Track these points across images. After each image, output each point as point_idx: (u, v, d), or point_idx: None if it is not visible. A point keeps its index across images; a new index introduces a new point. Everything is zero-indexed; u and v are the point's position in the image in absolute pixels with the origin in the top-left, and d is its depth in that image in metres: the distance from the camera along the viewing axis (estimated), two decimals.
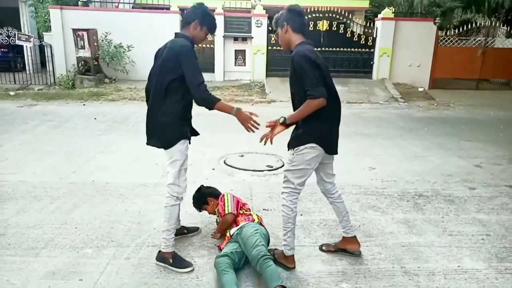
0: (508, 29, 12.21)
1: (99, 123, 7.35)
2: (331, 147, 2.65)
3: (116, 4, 12.89)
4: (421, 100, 10.94)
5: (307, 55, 2.43)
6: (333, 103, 2.58)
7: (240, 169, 4.83)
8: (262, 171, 4.79)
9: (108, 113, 8.25)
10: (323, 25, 11.75)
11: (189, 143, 2.77)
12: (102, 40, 11.06)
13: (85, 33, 10.44)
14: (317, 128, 2.56)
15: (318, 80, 2.41)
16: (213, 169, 4.85)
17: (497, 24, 12.44)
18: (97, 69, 11.15)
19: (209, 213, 3.28)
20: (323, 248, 2.99)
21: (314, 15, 11.63)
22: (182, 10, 11.92)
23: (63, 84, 10.76)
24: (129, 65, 11.30)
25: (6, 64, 12.88)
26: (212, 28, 2.67)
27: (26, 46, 11.91)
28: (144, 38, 11.38)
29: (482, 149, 6.11)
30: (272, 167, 4.94)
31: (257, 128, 2.62)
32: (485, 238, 3.23)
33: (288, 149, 2.67)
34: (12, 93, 10.03)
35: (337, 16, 11.80)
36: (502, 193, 4.29)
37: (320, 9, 11.65)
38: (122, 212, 3.57)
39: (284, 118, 2.54)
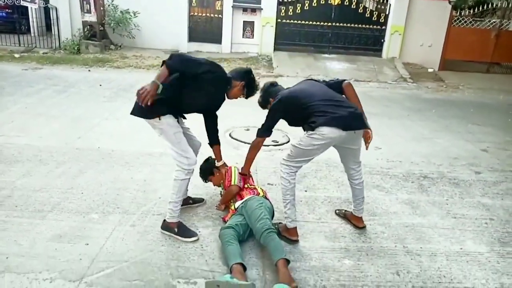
0: None
1: (104, 89, 7.29)
2: (347, 123, 2.58)
3: None
4: (430, 81, 10.77)
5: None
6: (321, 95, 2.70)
7: (245, 143, 4.80)
8: (268, 145, 4.77)
9: (113, 80, 8.17)
10: None
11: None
12: (109, 5, 10.81)
13: None
14: (321, 118, 2.58)
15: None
16: None
17: None
18: (103, 34, 10.96)
19: (214, 185, 3.29)
20: (336, 211, 3.23)
21: None
22: None
23: (68, 49, 10.61)
24: (136, 31, 11.10)
25: (11, 26, 12.65)
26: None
27: (31, 8, 11.67)
28: (151, 4, 11.13)
29: (490, 133, 6.05)
30: (277, 142, 4.92)
31: None
32: (489, 222, 3.24)
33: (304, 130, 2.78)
34: (17, 55, 9.92)
35: None
36: (508, 178, 4.27)
37: None
38: (127, 179, 3.59)
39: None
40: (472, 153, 5.07)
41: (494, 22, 11.91)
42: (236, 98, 2.87)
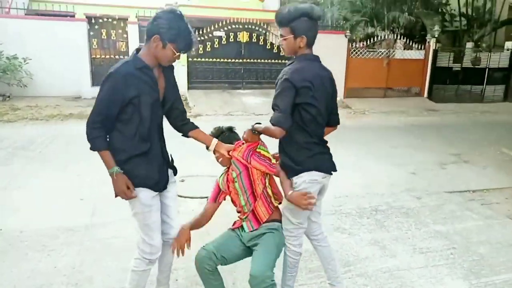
0: (406, 41, 13.49)
1: None
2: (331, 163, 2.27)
3: (7, 9, 11.15)
4: (339, 109, 11.38)
5: (290, 78, 2.09)
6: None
7: (185, 197, 4.29)
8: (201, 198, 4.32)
9: (5, 137, 6.93)
10: (243, 37, 11.63)
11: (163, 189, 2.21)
12: None
13: None
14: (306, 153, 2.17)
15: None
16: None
17: (396, 38, 13.65)
18: None
19: (223, 164, 2.40)
20: None
21: (234, 26, 11.46)
22: (89, 18, 10.80)
23: None
24: (27, 79, 9.81)
25: None
26: (183, 45, 2.01)
27: None
28: (45, 49, 10.02)
29: (409, 155, 6.44)
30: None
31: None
32: (454, 252, 3.23)
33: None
34: None
35: (256, 28, 11.79)
36: (446, 200, 4.46)
37: (239, 21, 11.51)
38: (50, 270, 2.82)
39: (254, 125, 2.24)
40: (403, 177, 5.27)
41: (383, 51, 13.30)
42: (172, 60, 2.09)
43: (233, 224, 2.42)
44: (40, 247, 3.15)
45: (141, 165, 2.06)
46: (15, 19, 10.43)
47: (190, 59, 11.30)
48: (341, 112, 9.91)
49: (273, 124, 2.07)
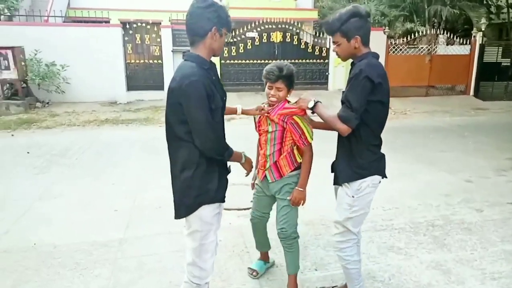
0: (449, 35, 12.70)
1: (33, 158, 6.12)
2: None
3: (46, 18, 11.45)
4: None
5: (370, 75, 1.98)
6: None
7: (231, 209, 4.05)
8: (248, 208, 4.04)
9: (43, 144, 7.00)
10: (276, 37, 11.35)
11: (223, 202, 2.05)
12: (31, 59, 9.65)
13: (9, 51, 9.01)
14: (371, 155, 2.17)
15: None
16: None
17: (438, 32, 12.90)
18: (26, 92, 9.70)
19: (277, 103, 2.40)
20: None
21: (267, 26, 11.20)
22: (123, 23, 10.88)
23: None
24: (65, 85, 9.98)
25: None
26: (229, 23, 1.92)
27: None
28: (81, 55, 10.15)
29: (461, 160, 5.90)
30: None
31: None
32: None
33: (340, 184, 2.22)
34: None
35: (290, 27, 11.48)
36: (511, 213, 3.96)
37: (272, 21, 11.23)
38: None
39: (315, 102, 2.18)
40: (459, 186, 4.78)
41: (424, 48, 12.59)
42: (221, 51, 2.01)
43: (258, 175, 2.60)
44: (73, 265, 2.99)
45: (213, 175, 1.90)
46: (53, 26, 10.67)
47: (222, 61, 11.15)
48: None
49: (341, 121, 2.01)
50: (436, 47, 12.73)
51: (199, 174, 1.85)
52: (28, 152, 6.41)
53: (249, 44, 11.20)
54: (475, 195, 4.46)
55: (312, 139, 2.39)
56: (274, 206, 2.61)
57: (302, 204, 2.44)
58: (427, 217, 3.87)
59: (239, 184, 4.61)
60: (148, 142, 7.02)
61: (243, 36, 11.24)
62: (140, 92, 10.83)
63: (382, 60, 11.80)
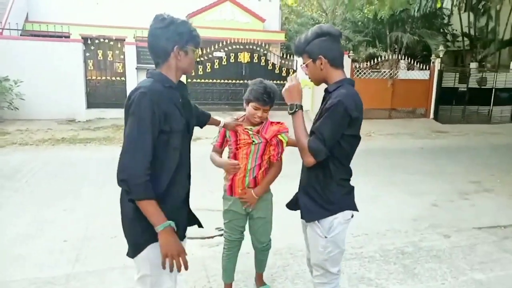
0: (409, 61, 13.20)
1: None
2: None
3: (0, 30, 10.83)
4: None
5: (349, 108, 1.81)
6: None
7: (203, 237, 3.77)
8: (213, 237, 3.81)
9: None
10: (244, 57, 11.33)
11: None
12: None
13: None
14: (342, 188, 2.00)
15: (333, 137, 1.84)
16: None
17: (399, 58, 13.39)
18: None
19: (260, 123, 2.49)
20: None
21: (234, 46, 11.17)
22: (85, 38, 10.48)
23: None
24: (19, 101, 9.38)
25: None
26: (196, 38, 1.74)
27: None
28: (38, 70, 9.64)
29: (425, 183, 5.96)
30: (223, 229, 3.97)
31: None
32: None
33: (306, 221, 2.04)
34: None
35: (257, 48, 11.52)
36: (477, 238, 3.95)
37: (240, 41, 11.23)
38: None
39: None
40: (425, 210, 4.77)
41: (386, 72, 13.00)
42: (192, 68, 1.83)
43: (229, 190, 2.54)
44: None
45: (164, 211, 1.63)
46: (7, 40, 10.09)
47: (189, 80, 10.95)
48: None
49: (310, 151, 1.84)
50: (398, 71, 13.18)
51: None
52: None
53: (216, 63, 11.11)
54: (442, 220, 4.44)
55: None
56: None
57: (247, 207, 2.51)
58: (396, 243, 3.78)
59: (203, 209, 4.40)
60: (107, 163, 6.60)
61: (210, 56, 11.14)
62: (101, 110, 10.36)
63: None
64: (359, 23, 15.18)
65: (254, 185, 2.49)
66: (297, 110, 1.90)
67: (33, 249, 3.44)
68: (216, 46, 11.07)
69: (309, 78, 1.99)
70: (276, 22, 15.84)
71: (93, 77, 10.50)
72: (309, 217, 1.99)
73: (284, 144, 2.49)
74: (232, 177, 2.49)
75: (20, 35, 11.73)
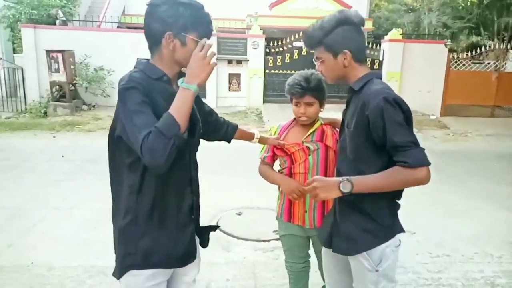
0: None
1: (64, 162, 6.09)
2: None
3: (98, 23, 11.80)
4: (435, 130, 9.90)
5: (399, 100, 1.44)
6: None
7: (238, 238, 3.60)
8: (268, 241, 3.57)
9: (79, 147, 7.02)
10: None
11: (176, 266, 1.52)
12: (81, 63, 9.90)
13: (59, 55, 9.29)
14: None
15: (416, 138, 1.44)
16: None
17: (508, 47, 11.58)
18: (73, 94, 9.96)
19: (309, 122, 2.03)
20: None
21: None
22: None
23: (34, 112, 9.51)
24: (111, 89, 10.12)
25: None
26: (205, 27, 1.40)
27: (3, 68, 10.70)
28: (129, 61, 10.21)
29: None
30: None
31: None
32: None
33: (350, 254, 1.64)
34: None
35: None
36: None
37: None
38: None
39: (350, 182, 1.43)
40: None
41: (490, 63, 11.36)
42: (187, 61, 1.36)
43: (286, 214, 2.10)
44: None
45: (149, 227, 1.41)
46: (104, 32, 10.94)
47: (267, 71, 10.79)
48: (437, 133, 8.49)
49: (417, 166, 1.38)
50: (505, 63, 11.43)
51: (133, 223, 1.39)
52: (62, 156, 6.41)
53: (295, 54, 10.75)
54: None
55: None
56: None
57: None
58: (486, 271, 3.15)
59: (264, 208, 4.18)
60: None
61: (290, 46, 10.81)
62: None
63: (441, 75, 10.87)
64: (461, 7, 13.46)
65: (321, 211, 2.01)
66: (349, 191, 1.43)
67: (97, 236, 3.55)
68: (296, 36, 10.70)
69: (323, 74, 1.61)
70: (363, 9, 14.83)
71: None
72: (355, 248, 1.59)
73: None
74: (286, 201, 2.08)
75: (117, 27, 12.68)
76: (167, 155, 1.21)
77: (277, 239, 3.60)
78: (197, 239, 1.59)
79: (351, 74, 1.54)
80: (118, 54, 10.19)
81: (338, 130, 1.98)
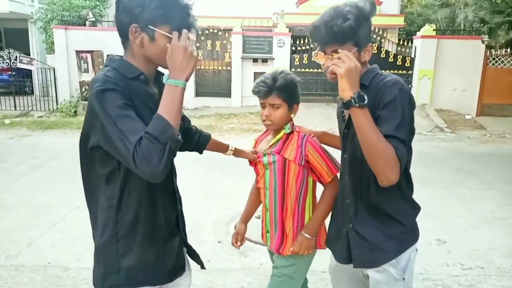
0: None
1: None
2: None
3: None
4: (470, 130, 9.41)
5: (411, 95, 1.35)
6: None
7: (256, 243, 3.47)
8: None
9: None
10: None
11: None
12: None
13: (88, 55, 9.52)
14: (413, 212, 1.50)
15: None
16: (219, 241, 3.52)
17: None
18: None
19: (274, 127, 1.73)
20: None
21: None
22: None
23: (65, 111, 9.80)
24: None
25: (14, 88, 12.08)
26: (180, 19, 1.18)
27: (36, 69, 11.10)
28: None
29: None
30: None
31: None
32: None
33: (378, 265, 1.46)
34: (7, 121, 9.11)
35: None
36: None
37: None
38: None
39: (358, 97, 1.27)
40: None
41: None
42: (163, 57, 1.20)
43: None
44: None
45: (133, 243, 1.28)
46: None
47: (292, 69, 10.59)
48: (472, 133, 8.00)
49: (399, 161, 1.26)
50: None
51: (113, 240, 1.25)
52: None
53: None
54: None
55: (338, 169, 1.65)
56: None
57: (305, 252, 1.69)
58: None
59: None
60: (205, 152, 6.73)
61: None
62: (207, 99, 10.76)
63: (477, 73, 10.34)
64: (499, 1, 12.74)
65: (280, 241, 1.74)
66: (364, 103, 1.26)
67: None
68: None
69: (333, 73, 1.34)
70: (395, 5, 14.32)
71: (202, 67, 10.91)
72: (384, 257, 1.43)
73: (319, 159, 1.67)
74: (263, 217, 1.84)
75: None
76: (165, 162, 1.08)
77: None
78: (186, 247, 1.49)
79: (362, 69, 1.37)
80: None
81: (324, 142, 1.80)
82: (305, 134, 1.70)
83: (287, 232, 1.72)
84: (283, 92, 1.66)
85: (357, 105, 1.25)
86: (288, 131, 1.71)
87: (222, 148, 1.84)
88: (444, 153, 7.26)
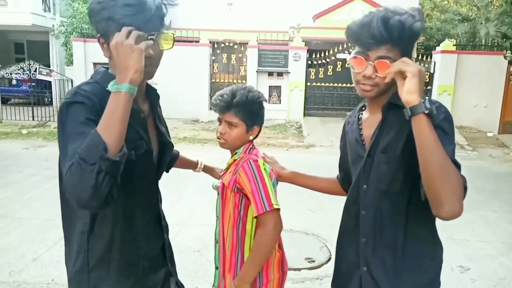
0: None
1: None
2: None
3: None
4: (492, 148, 9.08)
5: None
6: None
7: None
8: (300, 269, 3.26)
9: None
10: None
11: None
12: None
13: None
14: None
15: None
16: None
17: None
18: None
19: (228, 147, 1.54)
20: None
21: None
22: (212, 43, 10.98)
23: None
24: None
25: (33, 99, 12.29)
26: (131, 16, 1.03)
27: (54, 80, 11.31)
28: (169, 73, 10.40)
29: None
30: (313, 261, 3.40)
31: None
32: None
33: None
34: (24, 131, 9.23)
35: None
36: None
37: None
38: None
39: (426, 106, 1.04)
40: None
41: None
42: (152, 63, 1.15)
43: None
44: None
45: (106, 284, 1.16)
46: None
47: (308, 84, 10.51)
48: (494, 152, 7.67)
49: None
50: None
51: (84, 269, 1.14)
52: None
53: (338, 66, 10.38)
54: None
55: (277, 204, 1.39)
56: None
57: None
58: None
59: (297, 231, 3.87)
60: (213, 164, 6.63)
61: (332, 58, 10.48)
62: None
63: (500, 89, 10.05)
64: None
65: (223, 267, 1.53)
66: (434, 112, 1.04)
67: None
68: (340, 48, 10.35)
69: (376, 83, 1.19)
70: None
71: (217, 80, 10.91)
72: None
73: (263, 183, 1.39)
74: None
75: None
76: (94, 188, 0.89)
77: (309, 268, 3.29)
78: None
79: (393, 87, 1.17)
80: (161, 66, 10.37)
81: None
82: (248, 158, 1.46)
83: (226, 272, 1.49)
84: (242, 110, 1.46)
85: (427, 111, 1.01)
86: (237, 157, 1.50)
87: (191, 165, 1.76)
88: (465, 172, 6.84)
